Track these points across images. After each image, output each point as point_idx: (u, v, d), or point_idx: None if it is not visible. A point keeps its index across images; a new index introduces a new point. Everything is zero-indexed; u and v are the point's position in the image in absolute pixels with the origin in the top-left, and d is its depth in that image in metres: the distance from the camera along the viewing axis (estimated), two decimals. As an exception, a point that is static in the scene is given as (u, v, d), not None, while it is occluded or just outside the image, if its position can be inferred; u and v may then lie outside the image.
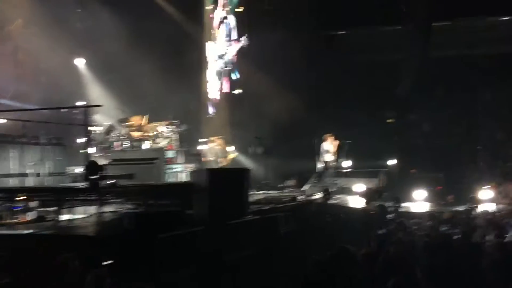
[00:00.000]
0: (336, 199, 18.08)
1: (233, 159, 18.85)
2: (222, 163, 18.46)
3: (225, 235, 10.71)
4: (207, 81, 24.23)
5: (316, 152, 19.02)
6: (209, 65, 24.31)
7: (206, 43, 24.38)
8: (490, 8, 23.52)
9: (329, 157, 19.24)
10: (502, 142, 24.45)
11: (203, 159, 18.73)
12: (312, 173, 20.16)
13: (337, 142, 19.42)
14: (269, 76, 23.31)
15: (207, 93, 24.22)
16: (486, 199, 16.94)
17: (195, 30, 24.06)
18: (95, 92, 22.84)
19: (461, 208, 15.91)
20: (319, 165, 19.56)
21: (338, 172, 20.77)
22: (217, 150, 18.73)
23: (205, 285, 9.55)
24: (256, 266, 10.59)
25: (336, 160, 19.24)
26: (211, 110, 24.12)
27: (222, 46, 24.75)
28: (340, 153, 20.42)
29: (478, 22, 25.64)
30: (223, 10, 25.01)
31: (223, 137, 19.35)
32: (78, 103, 21.19)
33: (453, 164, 22.87)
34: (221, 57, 24.64)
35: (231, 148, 20.28)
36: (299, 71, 23.56)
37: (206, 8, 24.57)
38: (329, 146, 19.39)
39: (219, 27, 24.98)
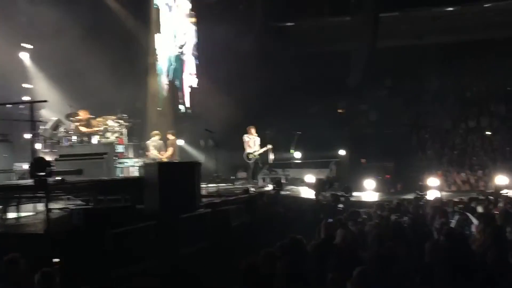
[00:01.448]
0: (288, 190, 18.18)
1: (175, 153, 18.62)
2: (164, 157, 18.24)
3: (178, 229, 10.65)
4: (157, 74, 24.00)
5: (265, 144, 19.02)
6: (159, 58, 24.07)
7: (155, 35, 24.12)
8: (435, -1, 23.97)
9: (251, 150, 18.93)
10: (449, 131, 24.99)
11: (146, 153, 18.54)
12: (264, 165, 20.22)
13: (258, 138, 19.14)
14: (220, 69, 23.26)
15: (155, 86, 23.99)
16: (433, 186, 17.26)
17: (142, 22, 23.74)
18: (42, 86, 22.38)
19: (410, 196, 16.18)
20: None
21: (289, 163, 20.90)
22: (159, 144, 18.54)
23: (158, 279, 9.50)
24: (208, 259, 10.58)
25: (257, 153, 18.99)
26: (160, 104, 23.94)
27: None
28: (287, 142, 20.56)
29: (424, 13, 26.09)
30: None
31: (171, 132, 19.16)
32: (24, 98, 20.77)
33: (402, 153, 23.29)
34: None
35: (180, 141, 20.18)
36: (249, 63, 23.55)
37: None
38: (249, 137, 19.11)
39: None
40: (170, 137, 18.94)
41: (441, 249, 7.09)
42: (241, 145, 19.07)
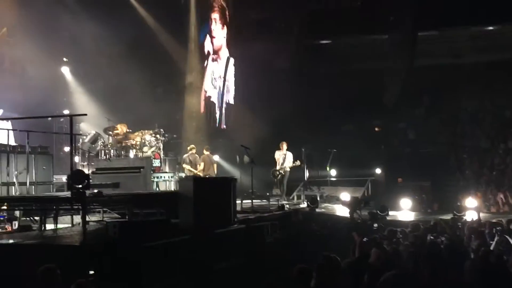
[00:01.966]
0: (323, 208, 18.11)
1: (208, 168, 18.62)
2: (197, 171, 18.30)
3: (211, 244, 10.68)
4: (193, 89, 24.24)
5: (301, 162, 18.98)
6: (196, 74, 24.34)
7: (193, 52, 24.38)
8: (474, 18, 23.68)
9: (278, 167, 18.92)
10: (487, 151, 24.58)
11: (183, 168, 18.67)
12: (300, 182, 20.18)
13: (291, 154, 19.03)
14: (256, 85, 23.38)
15: (192, 102, 24.20)
16: (472, 207, 16.97)
17: (181, 40, 24.00)
18: (81, 100, 22.81)
19: (447, 216, 15.94)
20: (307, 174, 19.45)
21: (324, 181, 20.82)
22: (194, 158, 18.61)
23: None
24: (242, 275, 10.57)
25: (285, 167, 18.84)
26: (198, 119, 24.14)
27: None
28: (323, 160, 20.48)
29: (463, 32, 25.84)
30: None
31: (206, 147, 19.22)
32: (64, 112, 21.19)
33: (439, 173, 22.99)
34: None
35: (215, 157, 20.25)
36: (285, 80, 23.64)
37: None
38: (279, 154, 19.10)
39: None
40: (204, 152, 19.03)
41: (478, 270, 6.97)
42: (274, 162, 19.11)
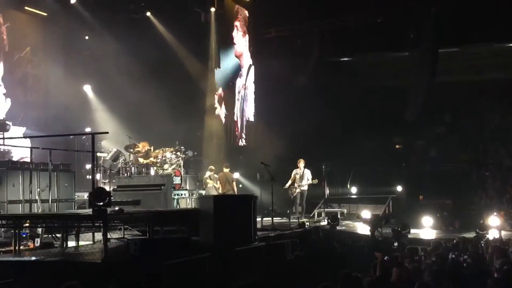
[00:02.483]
0: (344, 226, 18.04)
1: (229, 185, 18.51)
2: (220, 189, 18.28)
3: (232, 262, 10.68)
4: (215, 107, 24.30)
5: (322, 179, 18.90)
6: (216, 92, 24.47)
7: (215, 70, 24.50)
8: (496, 35, 23.58)
9: (298, 183, 18.61)
10: (510, 168, 24.33)
11: (205, 183, 18.71)
12: (320, 200, 20.12)
13: (308, 171, 18.74)
14: (276, 102, 23.43)
15: (214, 119, 24.26)
16: (494, 225, 16.78)
17: (201, 58, 24.14)
18: (103, 118, 23.02)
19: (469, 234, 15.78)
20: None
21: (345, 198, 20.76)
22: (215, 178, 18.63)
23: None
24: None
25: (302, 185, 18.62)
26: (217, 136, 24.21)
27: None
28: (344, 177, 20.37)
29: (484, 49, 25.71)
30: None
31: (225, 165, 19.21)
32: (86, 130, 21.38)
33: (461, 190, 22.78)
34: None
35: (235, 174, 20.26)
36: (305, 97, 23.65)
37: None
38: (296, 171, 18.81)
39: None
40: (224, 169, 18.98)
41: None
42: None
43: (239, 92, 25.29)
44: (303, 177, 18.61)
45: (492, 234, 15.63)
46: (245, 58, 25.72)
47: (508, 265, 8.64)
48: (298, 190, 18.60)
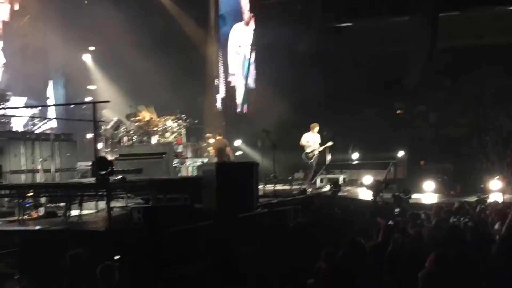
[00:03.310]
0: (346, 192, 18.09)
1: (224, 152, 18.39)
2: (219, 157, 18.22)
3: (234, 229, 10.75)
4: (215, 76, 24.25)
5: (323, 144, 18.86)
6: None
7: (214, 37, 24.40)
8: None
9: (310, 149, 18.41)
10: (511, 132, 24.34)
11: (205, 154, 18.74)
12: (322, 166, 20.15)
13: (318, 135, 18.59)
14: (276, 69, 23.32)
15: (215, 87, 24.21)
16: (496, 189, 16.87)
17: (200, 25, 24.00)
18: (103, 87, 22.98)
19: (471, 199, 15.86)
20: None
21: (346, 164, 20.79)
22: (215, 144, 18.56)
23: (216, 278, 9.61)
24: (265, 259, 10.63)
25: (317, 152, 18.55)
26: (219, 105, 24.13)
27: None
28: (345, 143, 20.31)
29: (485, 12, 25.49)
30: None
31: (218, 132, 19.07)
32: (87, 99, 21.35)
33: (462, 155, 22.79)
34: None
35: (237, 141, 20.26)
36: (306, 63, 23.54)
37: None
38: (310, 136, 18.55)
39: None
40: (217, 137, 18.87)
41: (505, 251, 6.97)
42: (297, 145, 19.01)
43: (240, 46, 25.12)
44: (315, 142, 18.49)
45: (494, 198, 15.71)
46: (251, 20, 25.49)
47: (509, 228, 8.70)
48: (316, 154, 18.52)
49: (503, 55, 25.28)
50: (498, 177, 18.61)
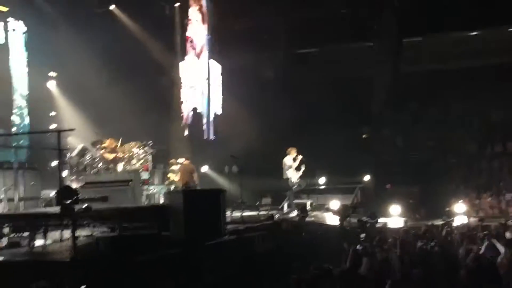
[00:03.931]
0: (313, 217, 18.07)
1: (190, 177, 18.11)
2: (180, 182, 17.97)
3: (203, 256, 10.66)
4: (181, 102, 24.16)
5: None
6: (183, 85, 24.23)
7: (180, 63, 24.35)
8: (459, 24, 23.90)
9: (291, 173, 18.06)
10: (475, 155, 24.74)
11: (166, 181, 18.53)
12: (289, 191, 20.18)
13: (299, 157, 18.09)
14: (243, 96, 23.40)
15: (181, 114, 24.11)
16: (460, 212, 17.08)
17: (166, 51, 23.96)
18: (68, 114, 22.74)
19: (436, 222, 16.02)
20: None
21: (313, 189, 20.81)
22: (182, 169, 18.36)
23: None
24: (234, 285, 10.55)
25: (298, 175, 18.38)
26: (186, 131, 24.02)
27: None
28: (312, 168, 20.27)
29: (447, 38, 26.02)
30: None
31: (186, 156, 18.83)
32: (51, 126, 21.08)
33: (428, 178, 23.08)
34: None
35: (204, 167, 20.14)
36: (273, 90, 23.70)
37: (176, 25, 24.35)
38: (290, 160, 18.07)
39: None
40: (184, 162, 18.66)
41: (472, 275, 7.03)
42: (264, 171, 18.99)
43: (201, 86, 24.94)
44: (291, 167, 18.06)
45: (459, 221, 15.89)
46: (204, 52, 25.23)
47: (475, 252, 8.80)
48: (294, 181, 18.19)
49: (465, 79, 25.80)
50: (462, 200, 18.87)
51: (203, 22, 24.88)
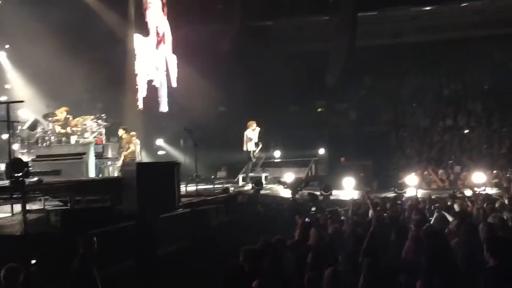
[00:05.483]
0: (268, 190, 18.19)
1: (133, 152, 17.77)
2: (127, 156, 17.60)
3: (157, 229, 10.65)
4: (136, 74, 23.84)
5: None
6: (137, 57, 23.86)
7: (134, 35, 23.97)
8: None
9: (252, 146, 18.30)
10: (427, 129, 25.19)
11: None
12: (244, 164, 20.25)
13: (258, 129, 18.32)
14: (199, 68, 23.24)
15: (135, 86, 23.79)
16: (412, 184, 17.41)
17: (120, 21, 23.52)
18: (19, 86, 22.26)
19: (389, 194, 16.30)
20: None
21: (269, 162, 20.92)
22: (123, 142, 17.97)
23: (138, 279, 9.50)
24: (188, 258, 10.60)
25: (258, 148, 18.54)
26: (140, 104, 23.71)
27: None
28: (268, 141, 20.35)
29: (402, 12, 26.24)
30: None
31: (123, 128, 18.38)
32: (1, 98, 20.60)
33: (381, 151, 23.43)
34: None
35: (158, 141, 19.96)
36: (228, 62, 23.56)
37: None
38: (252, 133, 18.30)
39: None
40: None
41: (421, 246, 7.20)
42: (219, 145, 18.97)
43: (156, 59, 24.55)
44: (251, 139, 18.25)
45: (410, 193, 16.20)
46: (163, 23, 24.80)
47: (424, 223, 8.99)
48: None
49: (419, 54, 26.15)
50: (414, 173, 19.23)
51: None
